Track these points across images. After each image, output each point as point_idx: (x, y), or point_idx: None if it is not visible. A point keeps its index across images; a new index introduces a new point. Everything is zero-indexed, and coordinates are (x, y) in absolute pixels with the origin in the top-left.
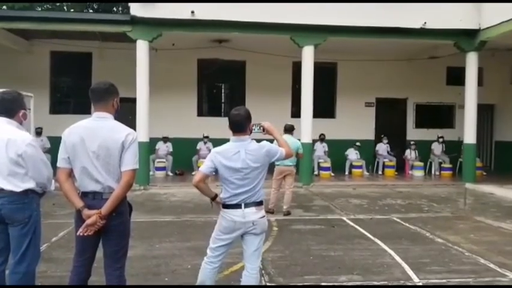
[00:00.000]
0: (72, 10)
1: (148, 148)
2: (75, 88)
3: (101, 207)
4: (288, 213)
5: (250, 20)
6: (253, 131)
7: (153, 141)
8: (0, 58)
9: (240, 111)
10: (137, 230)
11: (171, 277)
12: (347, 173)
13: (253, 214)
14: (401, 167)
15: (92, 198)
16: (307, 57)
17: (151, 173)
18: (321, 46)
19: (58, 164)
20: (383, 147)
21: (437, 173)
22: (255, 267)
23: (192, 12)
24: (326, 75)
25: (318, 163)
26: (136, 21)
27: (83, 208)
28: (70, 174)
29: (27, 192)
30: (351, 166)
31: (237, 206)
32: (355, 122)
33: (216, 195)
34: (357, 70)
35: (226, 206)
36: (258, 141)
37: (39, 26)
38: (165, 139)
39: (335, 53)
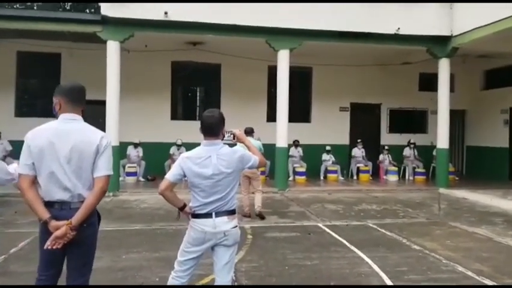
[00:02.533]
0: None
1: (118, 153)
2: (43, 90)
3: (70, 218)
4: (261, 215)
5: (226, 23)
6: (224, 138)
7: (124, 146)
8: None
9: (213, 113)
10: (105, 239)
11: None
12: (322, 178)
13: (224, 224)
14: (375, 172)
15: (59, 209)
16: (283, 61)
17: (121, 178)
18: (296, 50)
19: (20, 171)
20: (358, 152)
21: (411, 177)
22: (226, 281)
23: (166, 13)
24: (301, 80)
25: (294, 168)
26: (106, 21)
27: (50, 220)
28: (34, 181)
29: None
30: (326, 171)
31: (208, 215)
32: (330, 126)
33: (185, 205)
34: (332, 75)
35: (196, 216)
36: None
37: (4, 24)
38: (135, 144)
39: (311, 57)
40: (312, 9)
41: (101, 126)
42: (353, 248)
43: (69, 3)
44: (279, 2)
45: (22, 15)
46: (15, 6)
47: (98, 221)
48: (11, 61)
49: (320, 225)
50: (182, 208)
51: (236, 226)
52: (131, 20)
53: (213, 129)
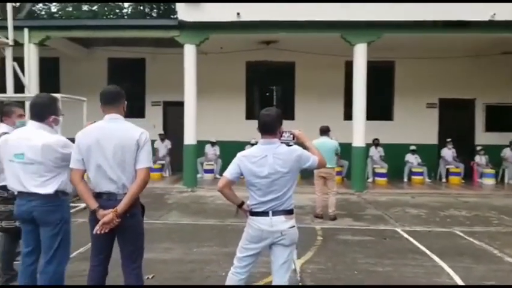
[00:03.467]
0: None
1: (196, 151)
2: (130, 93)
3: (116, 207)
4: (334, 218)
5: (298, 19)
6: (282, 138)
7: (201, 144)
8: (62, 65)
9: (270, 112)
10: (179, 232)
11: (204, 284)
12: (405, 180)
13: (281, 223)
14: (468, 175)
15: (107, 199)
16: (360, 55)
17: (199, 175)
18: (375, 44)
19: (72, 165)
20: (448, 153)
21: (511, 181)
22: (283, 281)
23: (238, 14)
24: (382, 75)
25: (373, 169)
26: (183, 26)
27: (98, 209)
28: (83, 175)
29: (57, 194)
30: (411, 172)
31: (265, 213)
32: (415, 124)
33: (243, 203)
34: (418, 69)
35: (254, 214)
36: None
37: (94, 33)
38: (212, 143)
39: (392, 51)
40: None
41: (181, 126)
42: (433, 256)
43: (154, 11)
44: None
45: (109, 24)
46: (110, 16)
47: (143, 212)
48: (103, 67)
49: (398, 230)
50: (240, 205)
51: (294, 226)
52: (205, 23)
53: (269, 128)
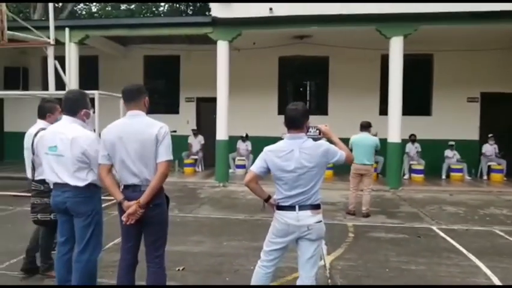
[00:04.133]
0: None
1: (228, 146)
2: (164, 89)
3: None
4: (367, 215)
5: (331, 13)
6: (308, 133)
7: (233, 140)
8: (101, 63)
9: (297, 106)
10: (209, 226)
11: (232, 277)
12: (443, 177)
13: (308, 218)
14: (511, 172)
15: (132, 191)
16: (396, 49)
17: (230, 170)
18: (412, 36)
19: (99, 161)
20: (489, 149)
21: None
22: (310, 275)
23: (270, 9)
24: (420, 69)
25: (410, 165)
26: (216, 23)
27: (123, 201)
28: (110, 169)
29: (89, 186)
30: (449, 169)
31: (291, 208)
32: (455, 119)
33: (269, 197)
34: (458, 62)
35: (280, 208)
36: None
37: (131, 32)
38: (244, 138)
39: (430, 44)
40: None
41: (213, 122)
42: (470, 255)
43: (190, 9)
44: None
45: (144, 22)
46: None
47: (167, 203)
48: (140, 64)
49: (434, 228)
50: (267, 200)
51: (320, 221)
52: (238, 20)
53: (296, 122)
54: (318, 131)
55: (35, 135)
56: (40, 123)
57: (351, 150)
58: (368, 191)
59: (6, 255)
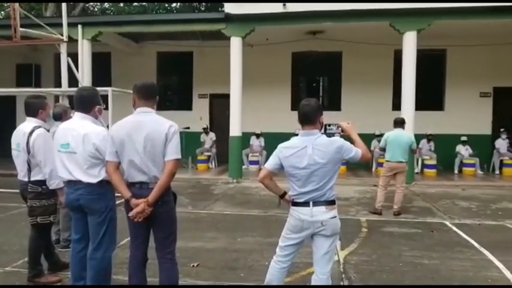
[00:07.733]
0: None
1: (241, 142)
2: (178, 86)
3: (148, 195)
4: (398, 214)
5: (344, 8)
6: (328, 130)
7: (247, 136)
8: (114, 59)
9: (310, 102)
10: (224, 222)
11: (247, 273)
12: (456, 171)
13: (322, 214)
14: None
15: (139, 188)
16: (409, 44)
17: (244, 166)
18: (425, 31)
19: (107, 158)
20: (502, 143)
21: None
22: (324, 271)
23: (284, 4)
24: (433, 64)
25: (422, 160)
26: (229, 19)
27: (131, 198)
28: (118, 166)
29: (102, 183)
30: (462, 164)
31: (305, 204)
32: (467, 114)
33: (285, 193)
34: (471, 57)
35: (295, 204)
36: None
37: (144, 28)
38: (257, 134)
39: (443, 39)
40: None
41: (227, 118)
42: (482, 249)
43: (203, 4)
44: None
45: (162, 18)
46: (159, 11)
47: (175, 200)
48: (153, 61)
49: (447, 222)
50: (282, 196)
51: (335, 217)
52: (251, 16)
53: (309, 118)
54: (340, 128)
55: (30, 134)
56: (32, 121)
57: (384, 147)
58: (401, 189)
59: (21, 253)
